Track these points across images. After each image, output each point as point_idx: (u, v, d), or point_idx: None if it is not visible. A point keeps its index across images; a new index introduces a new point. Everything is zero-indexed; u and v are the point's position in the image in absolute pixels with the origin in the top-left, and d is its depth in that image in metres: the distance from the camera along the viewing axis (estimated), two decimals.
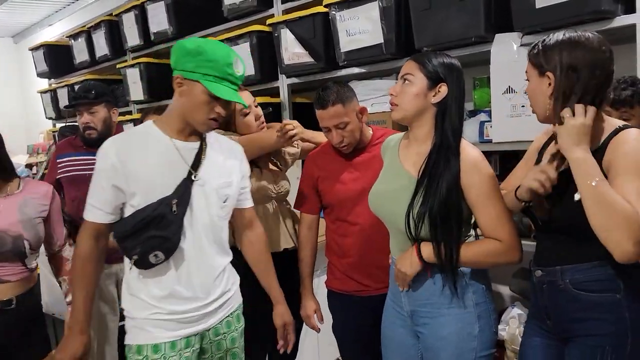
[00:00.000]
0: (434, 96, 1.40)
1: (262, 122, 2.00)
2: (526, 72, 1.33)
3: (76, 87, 4.24)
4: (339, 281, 1.85)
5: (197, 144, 1.49)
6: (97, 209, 1.43)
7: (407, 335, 1.53)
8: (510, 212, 1.40)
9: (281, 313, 1.71)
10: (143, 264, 1.40)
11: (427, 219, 1.36)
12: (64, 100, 4.47)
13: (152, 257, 1.38)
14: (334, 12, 2.39)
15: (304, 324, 1.99)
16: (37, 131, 6.07)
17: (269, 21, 2.72)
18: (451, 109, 1.40)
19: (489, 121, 2.10)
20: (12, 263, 1.62)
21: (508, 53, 1.90)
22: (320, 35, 2.51)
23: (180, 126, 1.47)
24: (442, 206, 1.35)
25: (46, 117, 4.98)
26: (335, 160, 1.87)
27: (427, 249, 1.40)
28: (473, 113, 2.26)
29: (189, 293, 1.45)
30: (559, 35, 1.26)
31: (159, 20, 3.32)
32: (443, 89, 1.40)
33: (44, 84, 5.07)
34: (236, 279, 1.63)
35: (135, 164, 1.40)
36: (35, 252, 1.75)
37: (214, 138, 1.57)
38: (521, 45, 1.88)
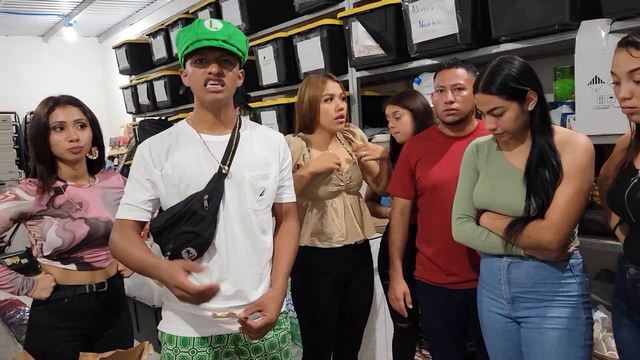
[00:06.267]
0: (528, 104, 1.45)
1: (342, 117, 1.93)
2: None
3: (155, 83, 4.47)
4: (429, 272, 1.83)
5: (227, 137, 1.47)
6: (133, 206, 1.42)
7: (507, 321, 1.54)
8: (580, 207, 1.40)
9: (269, 295, 1.46)
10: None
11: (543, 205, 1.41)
12: (143, 96, 4.72)
13: (185, 254, 1.39)
14: (406, 3, 2.36)
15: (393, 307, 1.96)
16: (118, 125, 6.46)
17: (340, 14, 2.73)
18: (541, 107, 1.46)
19: (572, 113, 1.98)
20: (103, 248, 1.73)
21: (595, 41, 1.78)
22: (392, 27, 2.48)
23: (205, 117, 1.47)
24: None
25: (127, 112, 5.28)
26: (435, 144, 1.85)
27: None
28: (554, 105, 2.14)
29: (221, 290, 1.40)
30: None
31: (232, 16, 3.43)
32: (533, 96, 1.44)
33: (125, 80, 5.37)
34: None
35: (169, 164, 1.42)
36: None
37: (251, 128, 1.54)
38: (610, 32, 1.76)
